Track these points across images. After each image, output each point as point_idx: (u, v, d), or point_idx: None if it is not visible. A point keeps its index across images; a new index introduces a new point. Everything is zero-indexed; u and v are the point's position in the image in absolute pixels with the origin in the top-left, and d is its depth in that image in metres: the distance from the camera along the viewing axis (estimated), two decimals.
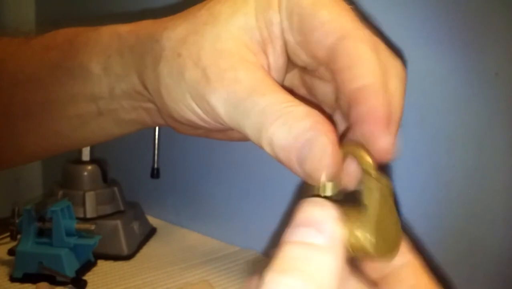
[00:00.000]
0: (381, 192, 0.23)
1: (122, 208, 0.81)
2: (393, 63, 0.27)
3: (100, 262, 0.74)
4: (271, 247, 0.21)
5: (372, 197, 0.22)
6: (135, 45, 0.30)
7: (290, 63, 0.29)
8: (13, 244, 0.73)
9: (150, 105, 0.32)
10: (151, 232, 0.87)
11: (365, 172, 0.23)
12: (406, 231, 0.23)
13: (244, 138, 0.28)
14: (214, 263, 0.75)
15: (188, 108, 0.28)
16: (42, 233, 0.69)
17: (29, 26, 1.09)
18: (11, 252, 0.73)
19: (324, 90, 0.30)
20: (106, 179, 0.82)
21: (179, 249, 0.81)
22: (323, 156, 0.23)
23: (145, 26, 0.31)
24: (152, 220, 0.90)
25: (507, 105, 0.52)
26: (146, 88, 0.30)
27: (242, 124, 0.25)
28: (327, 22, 0.25)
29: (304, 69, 0.30)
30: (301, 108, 0.24)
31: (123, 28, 0.32)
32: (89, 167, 0.81)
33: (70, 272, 0.67)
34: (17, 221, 0.70)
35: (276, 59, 0.28)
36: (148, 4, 0.85)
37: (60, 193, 0.79)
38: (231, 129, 0.27)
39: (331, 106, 0.30)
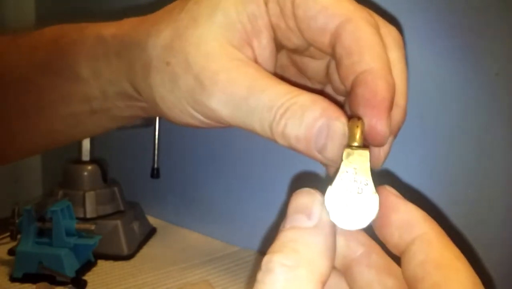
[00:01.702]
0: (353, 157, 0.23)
1: (122, 208, 0.81)
2: (390, 32, 0.27)
3: (100, 262, 0.74)
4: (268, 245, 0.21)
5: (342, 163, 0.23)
6: (121, 51, 0.30)
7: (279, 46, 0.29)
8: (13, 244, 0.73)
9: (144, 104, 0.31)
10: (151, 232, 0.87)
11: (348, 143, 0.23)
12: (424, 203, 0.23)
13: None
14: (214, 263, 0.75)
15: (186, 114, 0.27)
16: (42, 233, 0.69)
17: (29, 25, 1.09)
18: (11, 252, 0.73)
19: (314, 67, 0.30)
20: (106, 179, 0.82)
21: (179, 249, 0.81)
22: (342, 140, 0.23)
23: (127, 29, 0.30)
24: (152, 220, 0.90)
25: (507, 105, 0.52)
26: (139, 94, 0.30)
27: (248, 123, 0.25)
28: (328, 7, 0.25)
29: (293, 50, 0.30)
30: (305, 97, 0.24)
31: (107, 31, 0.31)
32: (89, 167, 0.80)
33: (70, 272, 0.67)
34: (17, 221, 0.70)
35: (263, 51, 0.27)
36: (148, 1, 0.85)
37: (60, 193, 0.79)
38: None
39: (321, 81, 0.31)
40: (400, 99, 0.26)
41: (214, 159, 0.85)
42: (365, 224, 0.22)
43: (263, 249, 0.78)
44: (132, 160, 0.95)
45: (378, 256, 0.23)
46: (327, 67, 0.30)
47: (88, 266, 0.71)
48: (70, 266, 0.67)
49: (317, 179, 0.64)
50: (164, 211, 0.93)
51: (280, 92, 0.24)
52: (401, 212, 0.22)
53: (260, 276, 0.20)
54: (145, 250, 0.80)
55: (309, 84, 0.32)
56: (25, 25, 1.09)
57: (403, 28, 0.58)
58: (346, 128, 0.23)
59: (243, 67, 0.26)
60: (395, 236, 0.22)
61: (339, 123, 0.23)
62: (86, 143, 0.81)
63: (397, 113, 0.26)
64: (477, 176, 0.55)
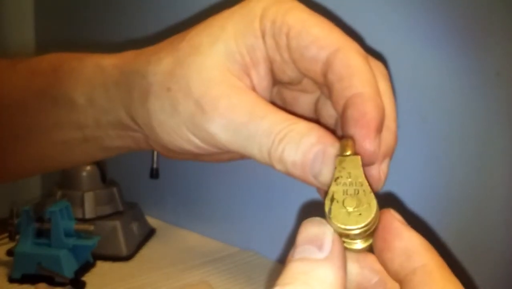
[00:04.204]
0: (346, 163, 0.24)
1: (121, 208, 0.81)
2: (377, 66, 0.29)
3: (99, 263, 0.74)
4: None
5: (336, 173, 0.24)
6: (119, 80, 0.31)
7: (274, 81, 0.30)
8: (12, 244, 0.73)
9: (137, 134, 0.32)
10: (150, 233, 0.86)
11: (340, 153, 0.24)
12: (425, 230, 0.23)
13: (232, 159, 0.31)
14: (213, 264, 0.75)
15: (184, 139, 0.28)
16: (40, 233, 0.68)
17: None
18: (9, 252, 0.73)
19: (304, 102, 0.32)
20: (105, 180, 0.82)
21: (178, 249, 0.81)
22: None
23: (128, 60, 0.31)
24: (151, 221, 0.89)
25: (508, 104, 0.52)
26: (135, 122, 0.31)
27: (247, 147, 0.26)
28: (320, 37, 0.27)
29: (284, 85, 0.31)
30: (302, 125, 0.25)
31: (107, 61, 0.32)
32: (88, 168, 0.80)
33: (69, 273, 0.66)
34: (15, 221, 0.70)
35: (261, 82, 0.29)
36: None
37: (59, 193, 0.79)
38: (223, 152, 0.28)
39: (310, 118, 0.32)
40: (390, 123, 0.27)
41: None
42: (365, 223, 0.22)
43: (263, 251, 0.77)
44: (131, 160, 0.95)
45: (393, 285, 0.23)
46: (316, 102, 0.31)
47: (86, 267, 0.71)
48: (68, 267, 0.67)
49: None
50: (163, 212, 0.93)
51: (279, 119, 0.26)
52: (404, 239, 0.22)
53: None
54: (144, 251, 0.80)
55: None
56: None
57: (404, 27, 0.58)
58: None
59: (243, 94, 0.27)
60: (395, 263, 0.22)
61: (334, 149, 0.24)
62: None
63: (388, 136, 0.27)
64: (478, 176, 0.55)
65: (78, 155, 0.36)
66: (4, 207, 0.76)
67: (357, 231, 0.22)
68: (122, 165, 0.92)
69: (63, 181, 0.81)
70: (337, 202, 0.22)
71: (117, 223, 0.77)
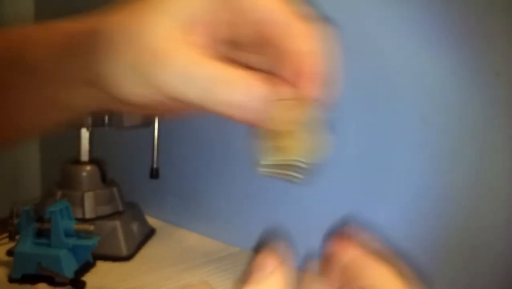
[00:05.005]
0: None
1: (121, 208, 0.81)
2: (311, 27, 0.31)
3: (99, 263, 0.74)
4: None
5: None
6: (79, 41, 0.33)
7: (220, 41, 0.32)
8: (12, 244, 0.73)
9: (94, 90, 0.33)
10: (150, 233, 0.86)
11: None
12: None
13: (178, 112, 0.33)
14: (213, 264, 0.75)
15: (139, 92, 0.30)
16: (40, 233, 0.68)
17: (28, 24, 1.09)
18: (9, 252, 0.73)
19: (258, 64, 0.33)
20: (105, 179, 0.82)
21: (178, 249, 0.81)
22: (269, 104, 0.28)
23: (84, 20, 0.34)
24: (151, 221, 0.89)
25: (508, 105, 0.52)
26: (98, 79, 0.32)
27: (187, 93, 0.29)
28: (255, 1, 0.29)
29: (235, 46, 0.33)
30: (240, 72, 0.29)
31: (66, 25, 0.34)
32: (88, 167, 0.80)
33: (69, 273, 0.66)
34: (15, 221, 0.70)
35: (207, 40, 0.31)
36: None
37: (59, 193, 0.79)
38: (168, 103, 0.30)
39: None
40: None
41: (214, 159, 0.85)
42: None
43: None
44: (131, 160, 0.95)
45: None
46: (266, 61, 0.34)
47: (87, 267, 0.71)
48: (68, 267, 0.67)
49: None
50: (163, 212, 0.93)
51: (219, 67, 0.29)
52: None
53: None
54: (144, 251, 0.80)
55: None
56: (24, 23, 1.09)
57: (404, 28, 0.58)
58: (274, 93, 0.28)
59: (190, 48, 0.30)
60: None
61: (276, 94, 0.28)
62: (85, 144, 0.80)
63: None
64: (478, 176, 0.55)
65: (42, 119, 0.38)
66: (4, 207, 0.76)
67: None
68: (122, 165, 0.92)
69: (63, 181, 0.81)
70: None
71: (117, 223, 0.77)
